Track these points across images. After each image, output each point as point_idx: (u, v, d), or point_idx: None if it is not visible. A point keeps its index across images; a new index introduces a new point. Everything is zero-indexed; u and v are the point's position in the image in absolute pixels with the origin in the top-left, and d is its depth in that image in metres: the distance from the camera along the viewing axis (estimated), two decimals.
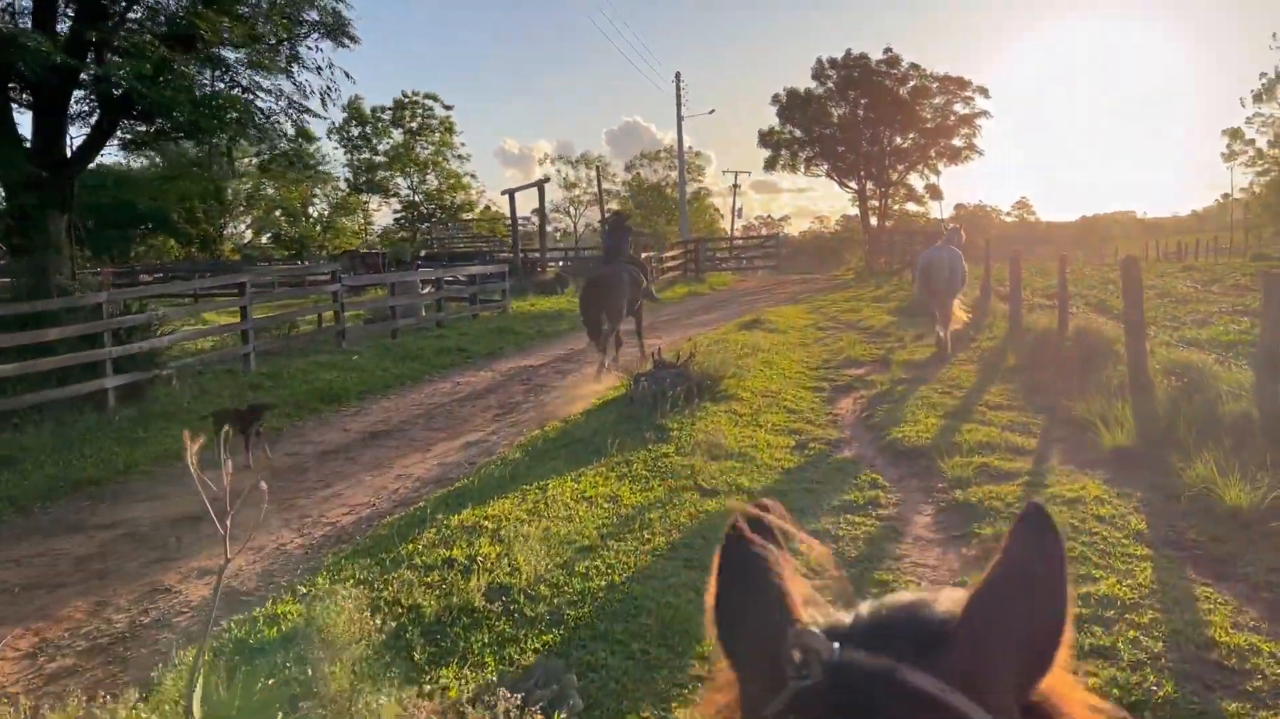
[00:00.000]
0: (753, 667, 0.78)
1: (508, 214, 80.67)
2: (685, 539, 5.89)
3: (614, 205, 74.93)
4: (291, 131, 14.51)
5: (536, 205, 30.26)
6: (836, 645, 0.71)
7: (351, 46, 13.56)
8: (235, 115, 12.91)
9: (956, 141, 46.99)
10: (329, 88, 13.64)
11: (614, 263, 13.87)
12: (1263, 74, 77.80)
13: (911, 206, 52.35)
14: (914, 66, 47.15)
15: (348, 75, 14.47)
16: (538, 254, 30.42)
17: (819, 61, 48.24)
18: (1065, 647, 0.75)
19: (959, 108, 46.59)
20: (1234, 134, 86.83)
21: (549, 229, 73.36)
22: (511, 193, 30.51)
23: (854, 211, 55.20)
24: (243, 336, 13.49)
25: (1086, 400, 9.31)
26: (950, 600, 0.77)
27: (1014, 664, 0.73)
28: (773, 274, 40.83)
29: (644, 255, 33.86)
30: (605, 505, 6.63)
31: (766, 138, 49.60)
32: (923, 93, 46.79)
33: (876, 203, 48.66)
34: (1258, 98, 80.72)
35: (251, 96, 13.23)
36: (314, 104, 13.73)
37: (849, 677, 0.70)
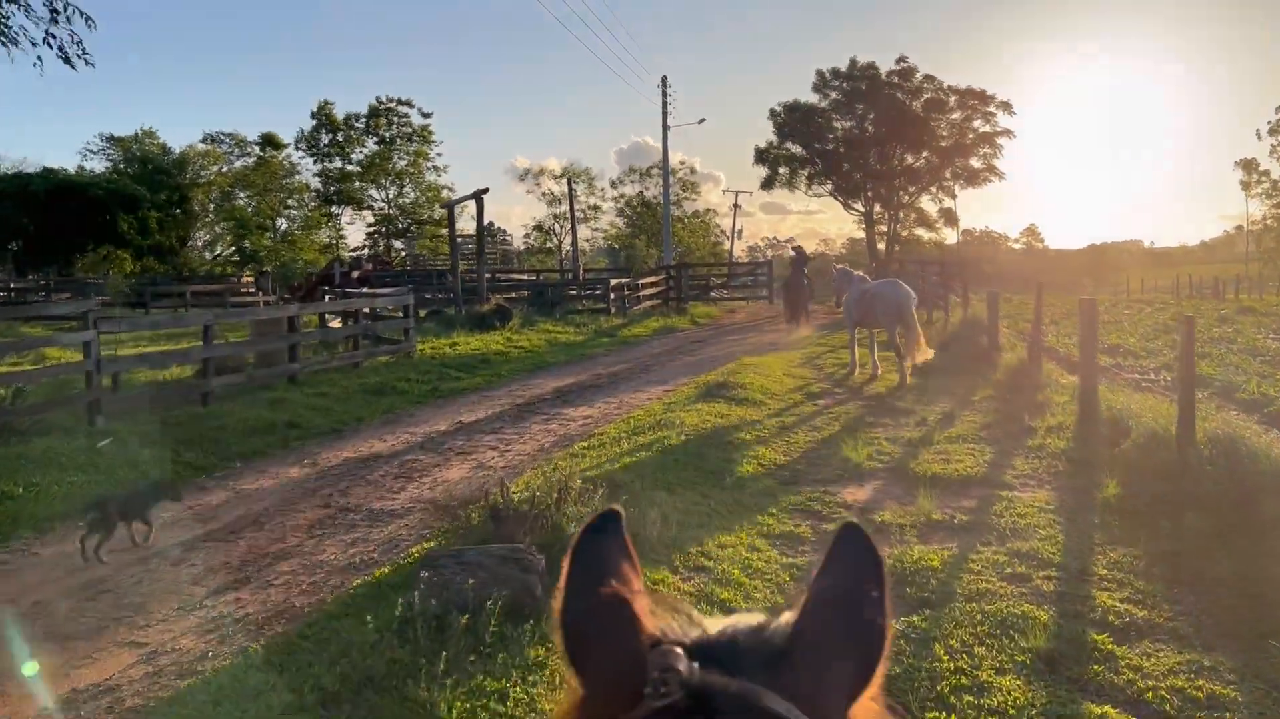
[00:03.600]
0: (601, 678, 0.77)
1: (499, 229, 76.44)
2: None
3: (606, 223, 70.58)
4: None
5: (540, 219, 25.70)
6: (696, 665, 0.72)
7: None
8: None
9: (974, 162, 42.56)
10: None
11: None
12: (1278, 107, 78.12)
13: (923, 233, 47.73)
14: (929, 78, 42.83)
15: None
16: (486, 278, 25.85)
17: (819, 74, 43.98)
18: (885, 662, 0.76)
19: (978, 124, 42.17)
20: (1249, 165, 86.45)
21: (516, 245, 69.26)
22: (450, 205, 25.95)
23: (860, 235, 50.72)
24: None
25: None
26: (788, 623, 0.79)
27: (842, 682, 0.75)
28: (767, 304, 36.23)
29: (614, 283, 29.46)
30: None
31: (763, 154, 45.21)
32: (938, 107, 42.39)
33: (885, 227, 44.12)
34: (1274, 130, 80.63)
35: None
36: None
37: (709, 697, 0.70)
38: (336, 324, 18.06)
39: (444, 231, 56.71)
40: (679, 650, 0.73)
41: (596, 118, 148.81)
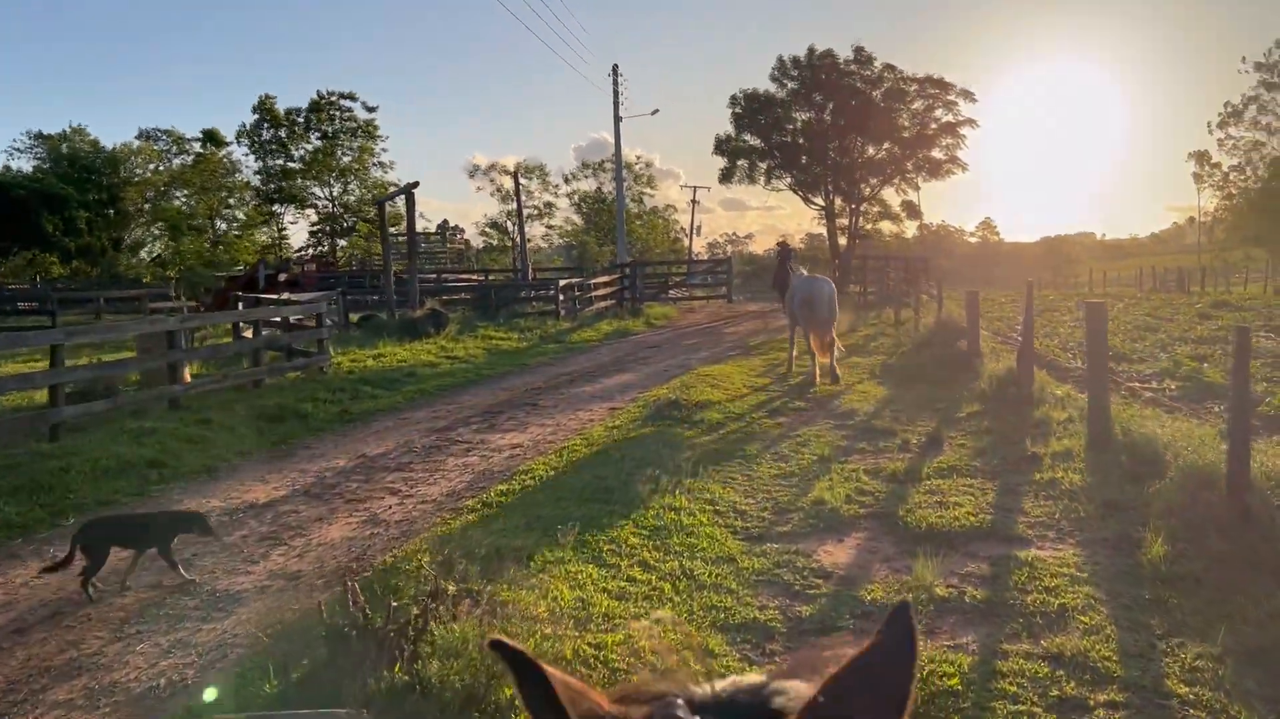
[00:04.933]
0: None
1: (453, 226, 74.01)
2: None
3: (561, 219, 68.66)
4: None
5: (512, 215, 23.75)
6: (696, 717, 0.80)
7: None
8: None
9: (937, 153, 41.24)
10: None
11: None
12: (1226, 102, 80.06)
13: (886, 226, 46.37)
14: (889, 67, 41.39)
15: None
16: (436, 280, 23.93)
17: (780, 61, 42.38)
18: None
19: (940, 114, 40.85)
20: (1201, 157, 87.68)
21: (476, 244, 67.09)
22: (381, 202, 24.08)
23: (821, 230, 49.37)
24: None
25: None
26: (795, 689, 0.85)
27: None
28: (726, 303, 34.67)
29: (563, 283, 27.72)
30: None
31: (722, 146, 43.58)
32: (899, 97, 41.01)
33: (846, 221, 42.73)
34: (1224, 123, 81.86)
35: None
36: None
37: None
38: (250, 335, 16.21)
39: (392, 230, 54.66)
40: (680, 702, 0.82)
41: (554, 114, 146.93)
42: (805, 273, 15.61)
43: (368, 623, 3.97)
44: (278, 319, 15.37)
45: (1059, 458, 8.36)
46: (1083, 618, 5.00)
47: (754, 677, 0.89)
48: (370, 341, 17.84)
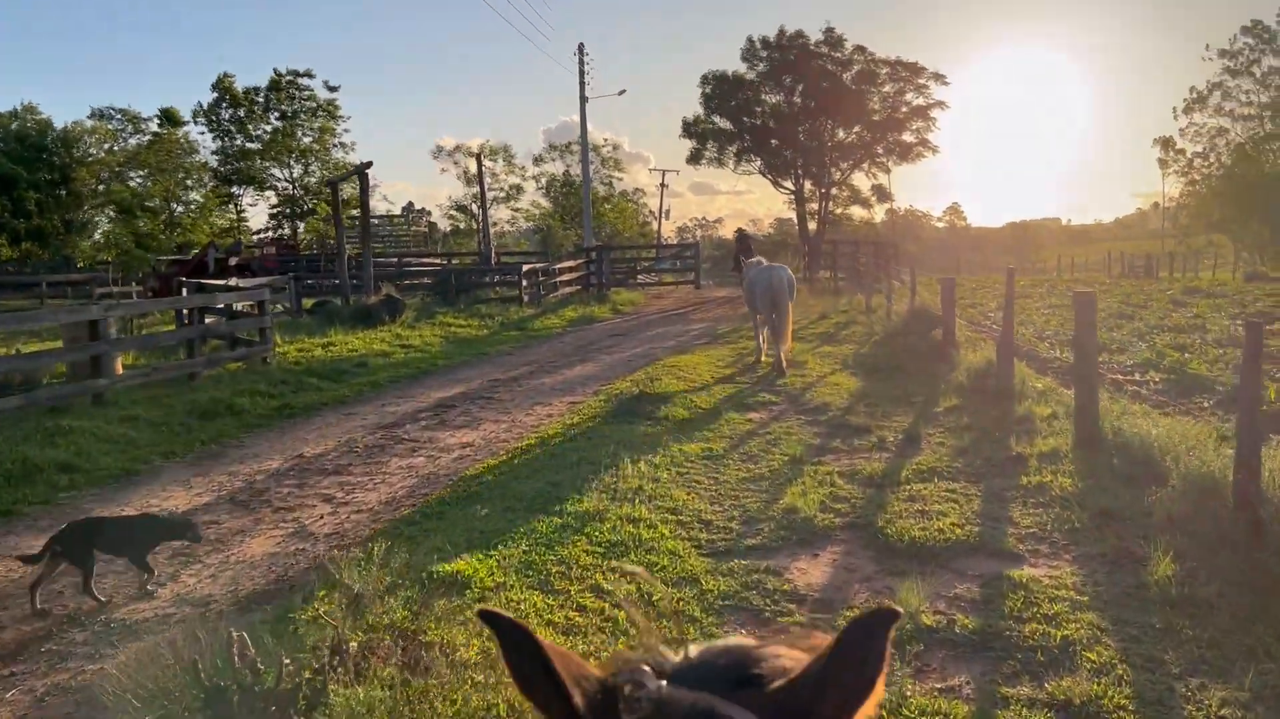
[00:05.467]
0: (566, 711, 0.82)
1: (419, 208, 72.67)
2: None
3: (528, 202, 67.60)
4: None
5: (475, 196, 22.84)
6: (663, 683, 0.81)
7: None
8: None
9: (907, 136, 40.80)
10: None
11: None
12: (1191, 88, 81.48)
13: (856, 211, 45.92)
14: (860, 49, 40.84)
15: None
16: (401, 263, 22.99)
17: (750, 41, 41.73)
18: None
19: (911, 97, 40.38)
20: (1166, 143, 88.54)
21: (443, 227, 65.86)
22: (334, 182, 23.07)
23: (790, 214, 48.87)
24: None
25: None
26: (772, 652, 0.88)
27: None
28: (695, 289, 34.03)
29: (527, 268, 26.95)
30: None
31: (691, 128, 42.89)
32: (869, 79, 40.49)
33: (816, 206, 42.21)
34: (1189, 109, 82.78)
35: None
36: None
37: (671, 710, 0.78)
38: (207, 322, 15.33)
39: (355, 211, 53.55)
40: (647, 669, 0.83)
41: (524, 97, 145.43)
42: (763, 261, 15.09)
43: (256, 682, 3.31)
44: (220, 306, 14.52)
45: (1046, 459, 7.82)
46: (1089, 654, 4.42)
47: (735, 640, 0.93)
48: (321, 330, 17.03)
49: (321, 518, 6.98)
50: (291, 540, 6.49)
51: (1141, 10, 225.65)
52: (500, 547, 5.69)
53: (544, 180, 65.60)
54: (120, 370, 12.10)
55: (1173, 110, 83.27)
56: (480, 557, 5.55)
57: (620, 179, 69.80)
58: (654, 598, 5.17)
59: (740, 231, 20.68)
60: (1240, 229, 70.17)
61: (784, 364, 13.29)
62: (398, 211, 56.83)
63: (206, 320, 14.60)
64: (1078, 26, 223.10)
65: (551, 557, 5.66)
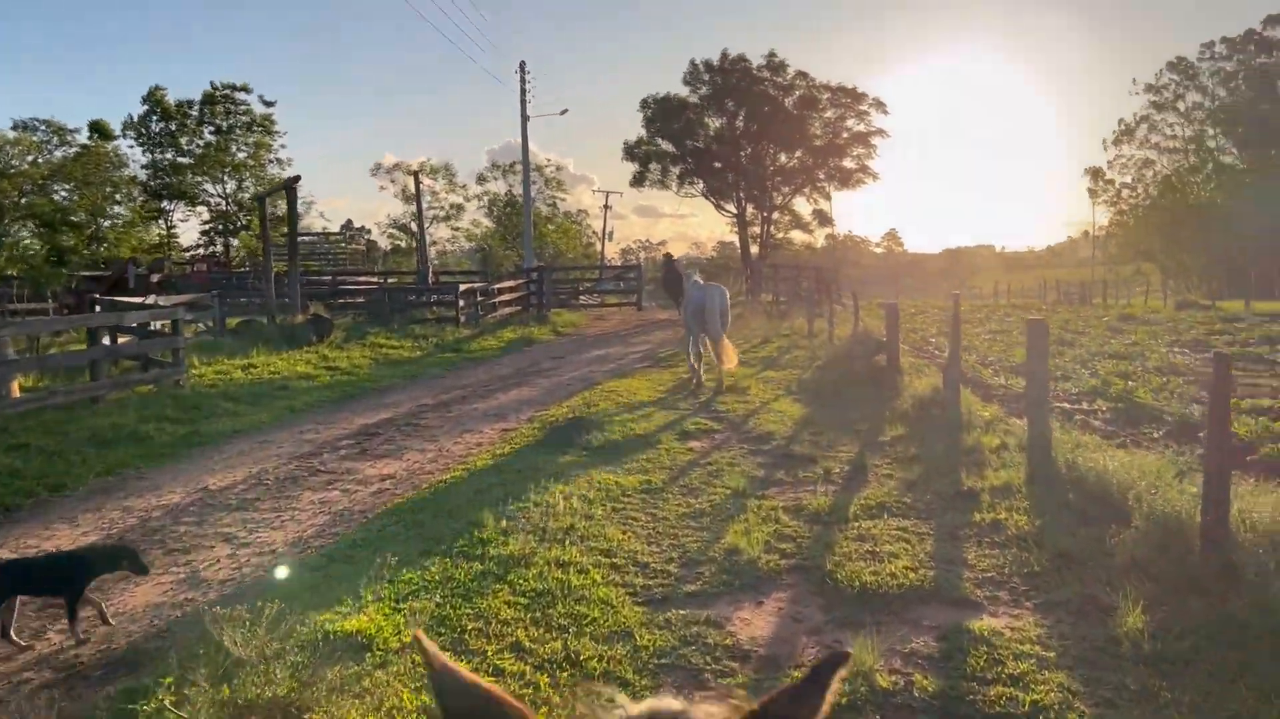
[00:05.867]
0: None
1: (358, 226, 71.31)
2: None
3: (469, 221, 66.77)
4: None
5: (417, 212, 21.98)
6: None
7: None
8: None
9: (848, 162, 40.99)
10: None
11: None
12: (1120, 120, 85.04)
13: (798, 235, 45.99)
14: (801, 74, 41.05)
15: None
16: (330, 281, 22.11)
17: (693, 64, 41.69)
18: None
19: (852, 123, 40.60)
20: (1096, 173, 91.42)
21: (384, 246, 64.71)
22: (262, 197, 22.31)
23: (733, 238, 48.79)
24: None
25: None
26: (704, 712, 0.92)
27: None
28: (637, 310, 33.61)
29: (465, 288, 26.27)
30: None
31: (633, 150, 42.63)
32: (811, 104, 40.65)
33: (759, 229, 42.13)
34: (1118, 140, 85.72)
35: None
36: None
37: None
38: (107, 343, 14.44)
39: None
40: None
41: (468, 115, 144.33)
42: (700, 280, 14.80)
43: None
44: (134, 325, 13.67)
45: (999, 494, 7.45)
46: None
47: (670, 701, 0.94)
48: (244, 350, 16.20)
49: (218, 561, 6.32)
50: (181, 588, 5.83)
51: (1074, 43, 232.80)
52: (411, 598, 5.12)
53: (486, 199, 64.90)
54: (17, 393, 11.27)
55: (1102, 142, 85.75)
56: (387, 611, 4.97)
57: (563, 200, 69.45)
58: (582, 658, 4.66)
59: (667, 255, 21.47)
60: (1167, 258, 72.15)
61: (723, 383, 13.36)
62: (335, 229, 55.60)
63: (120, 340, 13.75)
64: (1013, 58, 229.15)
65: (468, 610, 5.10)
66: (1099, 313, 31.69)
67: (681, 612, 5.33)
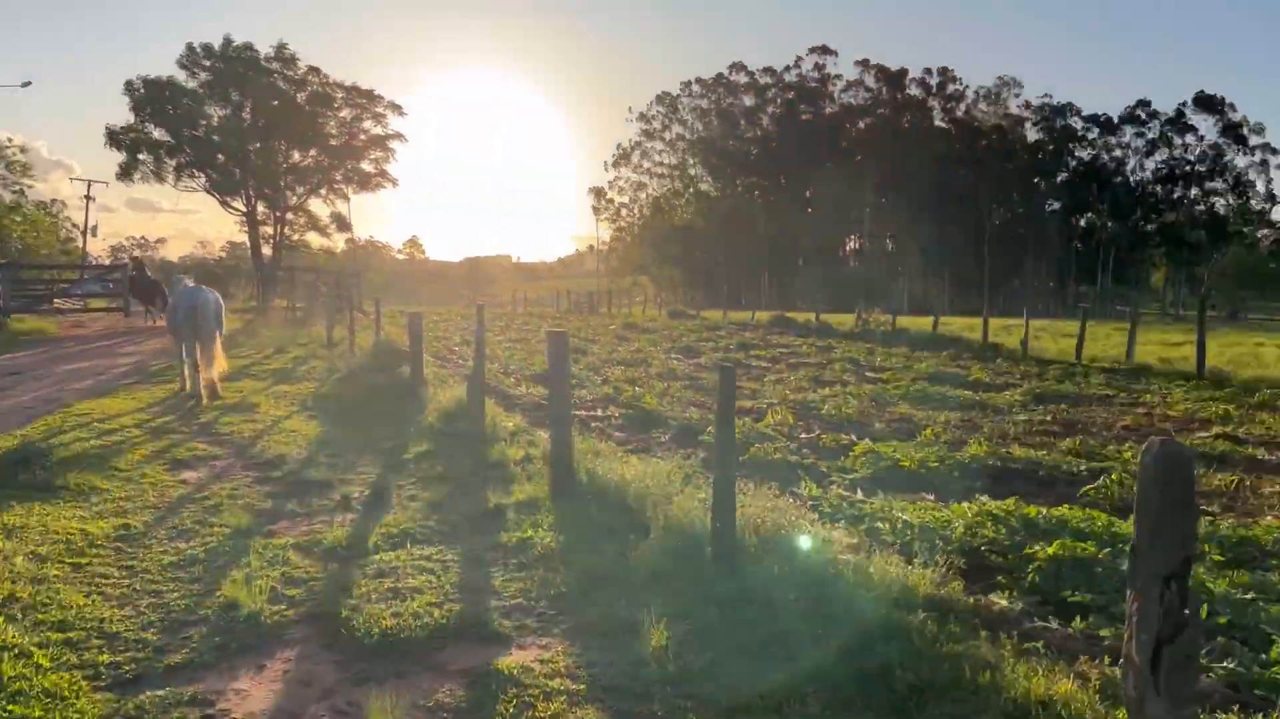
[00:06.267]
0: None
1: None
2: None
3: None
4: None
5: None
6: None
7: None
8: None
9: (366, 165, 39.92)
10: None
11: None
12: (618, 145, 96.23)
13: (315, 239, 43.85)
14: (314, 70, 39.19)
15: None
16: None
17: (190, 47, 37.86)
18: None
19: (369, 125, 39.61)
20: (599, 192, 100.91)
21: None
22: None
23: (243, 238, 45.23)
24: None
25: None
26: None
27: None
28: (125, 316, 29.59)
29: None
30: None
31: (118, 137, 37.60)
32: (325, 102, 38.96)
33: (272, 230, 39.43)
34: (617, 163, 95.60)
35: None
36: None
37: None
38: None
39: None
40: None
41: None
42: (190, 283, 13.47)
43: None
44: None
45: (524, 510, 7.29)
46: None
47: None
48: None
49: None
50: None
51: (586, 65, 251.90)
52: None
53: None
54: None
55: (604, 163, 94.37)
56: None
57: (31, 187, 59.86)
58: None
59: (135, 258, 20.85)
60: (658, 272, 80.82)
61: (215, 390, 12.85)
62: None
63: None
64: (531, 72, 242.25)
65: None
66: (606, 321, 34.09)
67: (159, 693, 4.33)
